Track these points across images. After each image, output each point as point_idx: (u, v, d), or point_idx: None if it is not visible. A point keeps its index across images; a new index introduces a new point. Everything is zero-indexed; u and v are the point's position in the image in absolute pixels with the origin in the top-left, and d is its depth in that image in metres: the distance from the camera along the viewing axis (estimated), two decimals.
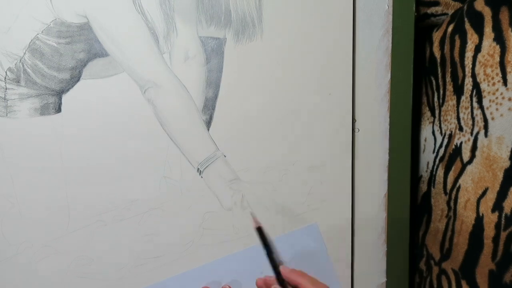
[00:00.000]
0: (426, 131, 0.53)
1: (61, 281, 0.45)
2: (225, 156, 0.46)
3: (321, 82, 0.47)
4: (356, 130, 0.48)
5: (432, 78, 0.51)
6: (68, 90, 0.46)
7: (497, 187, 0.40)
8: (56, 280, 0.45)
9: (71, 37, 0.45)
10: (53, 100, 0.46)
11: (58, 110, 0.46)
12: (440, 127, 0.49)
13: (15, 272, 0.44)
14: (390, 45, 0.48)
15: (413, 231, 0.52)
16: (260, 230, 0.45)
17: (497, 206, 0.40)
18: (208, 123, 0.46)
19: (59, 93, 0.46)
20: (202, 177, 0.46)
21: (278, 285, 0.42)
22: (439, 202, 0.49)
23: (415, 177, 0.54)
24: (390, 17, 0.48)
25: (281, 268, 0.43)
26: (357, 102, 0.48)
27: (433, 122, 0.51)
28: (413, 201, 0.51)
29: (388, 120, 0.48)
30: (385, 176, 0.49)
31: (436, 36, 0.50)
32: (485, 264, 0.41)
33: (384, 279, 0.50)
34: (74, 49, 0.45)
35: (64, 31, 0.45)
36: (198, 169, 0.46)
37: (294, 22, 0.47)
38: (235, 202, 0.46)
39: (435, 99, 0.51)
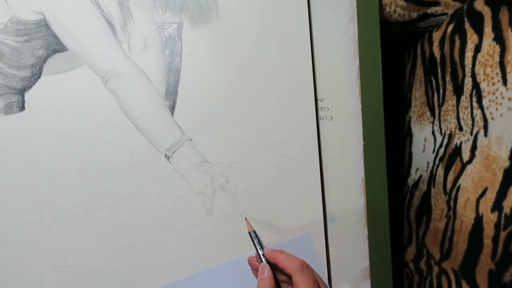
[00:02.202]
0: (426, 131, 0.53)
1: (39, 277, 0.45)
2: (191, 140, 0.47)
3: (281, 59, 0.48)
4: (329, 118, 0.49)
5: (432, 78, 0.51)
6: (30, 87, 0.46)
7: (496, 186, 0.40)
8: (34, 276, 0.45)
9: (28, 34, 0.45)
10: (16, 99, 0.46)
11: (22, 108, 0.46)
12: (440, 127, 0.49)
13: None
14: (357, 31, 0.48)
15: (393, 216, 0.52)
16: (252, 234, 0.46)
17: (497, 205, 0.40)
18: (172, 109, 0.47)
19: (21, 91, 0.46)
20: (170, 162, 0.46)
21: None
22: (439, 202, 0.49)
23: (392, 160, 0.53)
24: (354, 2, 0.48)
25: (265, 250, 0.45)
26: (327, 89, 0.48)
27: (433, 122, 0.51)
28: (390, 185, 0.51)
29: (360, 105, 0.49)
30: (361, 161, 0.49)
31: (436, 36, 0.50)
32: (484, 264, 0.41)
33: (367, 263, 0.50)
34: (33, 46, 0.45)
35: (21, 29, 0.45)
36: (166, 154, 0.46)
37: (249, 2, 0.47)
38: (205, 184, 0.46)
39: (435, 99, 0.50)
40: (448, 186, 0.47)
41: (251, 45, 0.47)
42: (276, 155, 0.47)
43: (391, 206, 0.50)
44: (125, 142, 0.46)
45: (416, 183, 0.55)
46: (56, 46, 0.46)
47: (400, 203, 0.60)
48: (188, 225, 0.46)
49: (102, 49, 0.46)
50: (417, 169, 0.55)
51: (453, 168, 0.46)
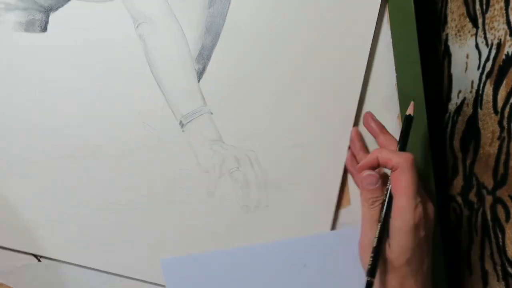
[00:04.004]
0: (467, 46, 0.46)
1: (31, 205, 0.43)
2: (211, 113, 0.42)
3: (335, 54, 0.42)
4: None
5: None
6: (57, 8, 0.42)
7: None
8: (26, 204, 0.43)
9: None
10: (40, 17, 0.42)
11: (44, 29, 0.42)
12: (485, 37, 0.42)
13: None
14: None
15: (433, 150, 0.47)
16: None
17: None
18: (200, 74, 0.42)
19: (47, 10, 0.42)
20: (183, 131, 0.42)
21: None
22: (488, 124, 0.43)
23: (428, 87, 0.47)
24: None
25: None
26: None
27: (476, 34, 0.44)
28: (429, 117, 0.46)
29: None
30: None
31: None
32: None
33: None
34: None
35: None
36: (181, 121, 0.42)
37: None
38: (213, 164, 0.42)
39: (477, 6, 0.43)
40: (500, 103, 0.41)
41: (309, 26, 0.41)
42: (297, 156, 0.43)
43: (431, 140, 0.45)
44: (141, 95, 0.42)
45: (459, 108, 0.50)
46: None
47: (441, 134, 0.55)
48: (184, 201, 0.43)
49: None
50: (459, 91, 0.50)
51: (504, 81, 0.40)
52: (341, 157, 0.43)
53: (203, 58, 0.42)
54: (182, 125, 0.42)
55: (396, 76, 0.44)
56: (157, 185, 0.43)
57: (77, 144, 0.42)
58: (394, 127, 0.44)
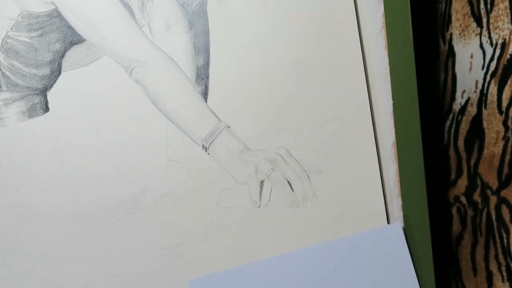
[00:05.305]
0: (472, 46, 0.46)
1: (88, 284, 0.43)
2: (229, 127, 0.42)
3: (321, 24, 0.41)
4: None
5: None
6: (51, 86, 0.42)
7: None
8: (83, 283, 0.43)
9: (42, 28, 0.41)
10: (39, 100, 0.43)
11: (46, 109, 0.43)
12: (489, 37, 0.42)
13: (40, 282, 0.43)
14: None
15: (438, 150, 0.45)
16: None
17: None
18: (205, 94, 0.42)
19: (43, 91, 0.43)
20: (209, 153, 0.42)
21: None
22: (493, 124, 0.44)
23: (431, 87, 0.46)
24: None
25: None
26: None
27: (481, 33, 0.44)
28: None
29: (387, 59, 0.42)
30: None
31: None
32: None
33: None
34: (49, 41, 0.41)
35: (34, 23, 0.41)
36: (203, 145, 0.42)
37: None
38: (249, 174, 0.42)
39: (481, 6, 0.43)
40: (504, 103, 0.41)
41: (286, 13, 0.41)
42: (326, 135, 0.42)
43: (435, 140, 0.44)
44: (158, 136, 0.42)
45: (463, 107, 0.50)
46: (72, 38, 0.41)
47: (445, 134, 0.54)
48: (234, 219, 0.43)
49: (122, 36, 0.41)
50: (464, 91, 0.49)
51: (509, 81, 0.40)
52: (368, 127, 0.43)
53: (202, 78, 0.42)
54: (205, 148, 0.42)
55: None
56: (205, 215, 0.43)
57: (115, 204, 0.43)
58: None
